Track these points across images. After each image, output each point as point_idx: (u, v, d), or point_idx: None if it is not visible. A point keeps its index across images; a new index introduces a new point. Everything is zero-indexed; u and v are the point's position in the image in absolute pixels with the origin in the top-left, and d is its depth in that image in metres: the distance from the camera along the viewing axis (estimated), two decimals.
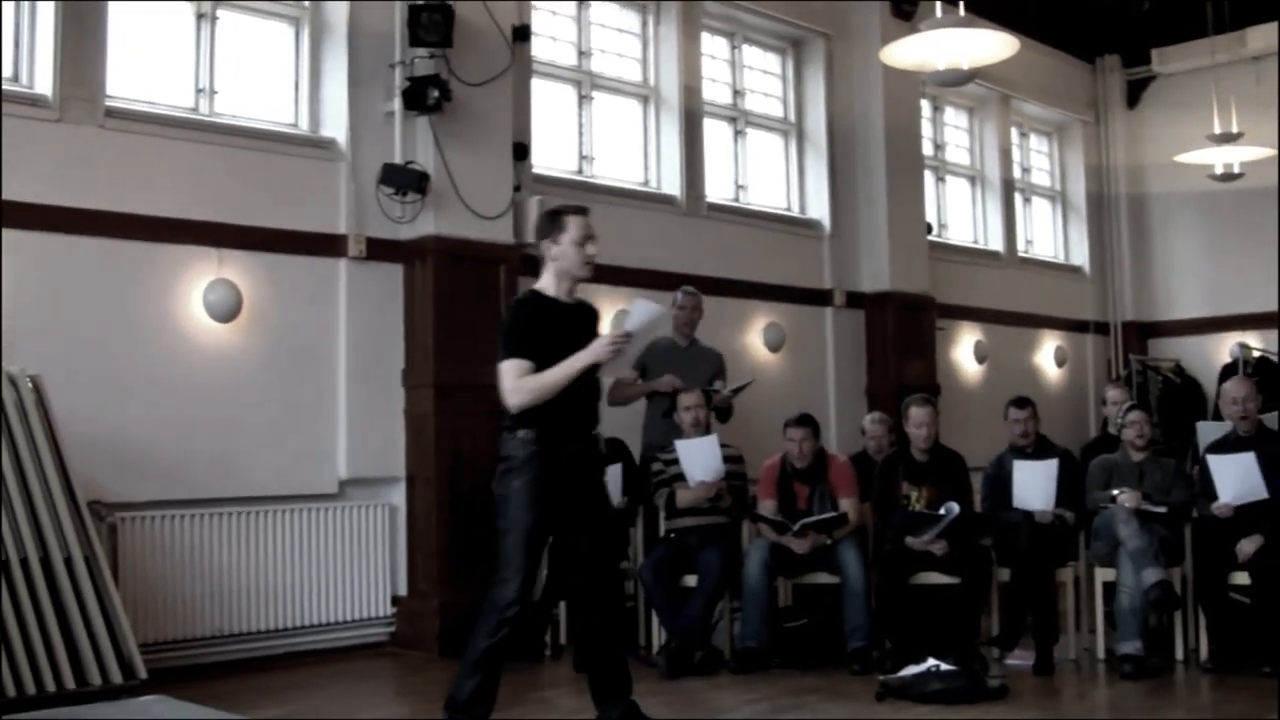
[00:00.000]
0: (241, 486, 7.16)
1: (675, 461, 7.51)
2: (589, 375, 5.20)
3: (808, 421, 7.51)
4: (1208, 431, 8.57)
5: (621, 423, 8.18)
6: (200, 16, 7.44)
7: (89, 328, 6.68)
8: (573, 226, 5.25)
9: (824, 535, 7.23)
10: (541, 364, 5.06)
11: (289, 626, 7.29)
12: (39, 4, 6.72)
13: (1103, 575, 7.27)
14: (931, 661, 6.33)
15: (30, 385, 6.02)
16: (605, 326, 5.97)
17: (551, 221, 5.30)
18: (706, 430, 7.65)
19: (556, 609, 7.56)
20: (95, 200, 6.74)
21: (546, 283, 5.31)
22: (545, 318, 5.20)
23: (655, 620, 7.43)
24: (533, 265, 8.17)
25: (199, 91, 7.41)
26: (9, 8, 6.68)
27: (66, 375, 6.35)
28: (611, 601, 5.35)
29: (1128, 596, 6.92)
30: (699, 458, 7.40)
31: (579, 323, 5.32)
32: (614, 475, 7.55)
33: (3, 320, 6.27)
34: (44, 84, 6.68)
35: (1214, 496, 7.04)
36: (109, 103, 6.89)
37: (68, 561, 5.74)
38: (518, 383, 5.05)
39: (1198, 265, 13.52)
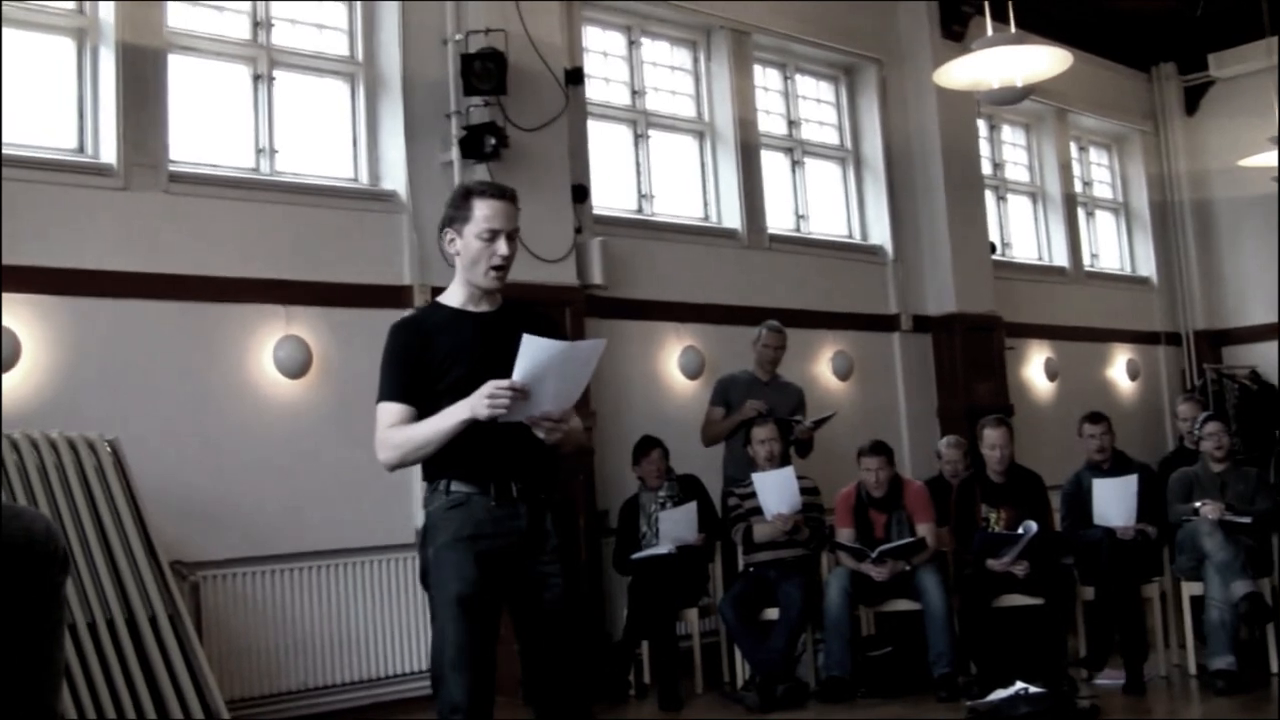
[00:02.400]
0: (319, 540, 7.20)
1: (752, 495, 7.49)
2: (519, 426, 3.76)
3: (882, 449, 7.48)
4: None
5: (701, 456, 8.19)
6: (257, 78, 7.54)
7: (163, 390, 6.76)
8: (479, 214, 3.88)
9: (903, 562, 7.18)
10: (429, 403, 3.82)
11: (373, 677, 7.31)
12: (101, 76, 6.84)
13: (1190, 589, 7.18)
14: (1019, 685, 6.26)
15: (109, 449, 6.10)
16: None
17: (455, 205, 3.97)
18: (782, 463, 7.63)
19: (639, 649, 7.54)
20: (163, 264, 6.83)
21: (451, 288, 4.04)
22: (433, 340, 3.89)
23: (738, 656, 7.39)
24: (598, 306, 8.25)
25: (259, 151, 7.50)
26: (73, 81, 6.81)
27: (142, 438, 6.42)
28: (563, 698, 3.90)
29: (1217, 610, 6.81)
30: (775, 490, 7.37)
31: (500, 337, 3.80)
32: (689, 512, 7.54)
33: (75, 385, 6.40)
34: (108, 153, 6.79)
35: None
36: (172, 168, 6.99)
37: (152, 621, 5.78)
38: (383, 435, 3.84)
39: (1268, 269, 13.30)
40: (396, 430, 3.82)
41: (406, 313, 7.49)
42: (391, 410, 3.84)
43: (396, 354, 3.90)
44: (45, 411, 6.20)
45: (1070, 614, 7.25)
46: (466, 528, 3.79)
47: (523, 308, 4.16)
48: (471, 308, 3.97)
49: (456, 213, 3.92)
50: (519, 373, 3.62)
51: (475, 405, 3.66)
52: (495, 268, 3.90)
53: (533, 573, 3.85)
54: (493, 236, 3.87)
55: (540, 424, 3.74)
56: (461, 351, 3.85)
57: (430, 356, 3.85)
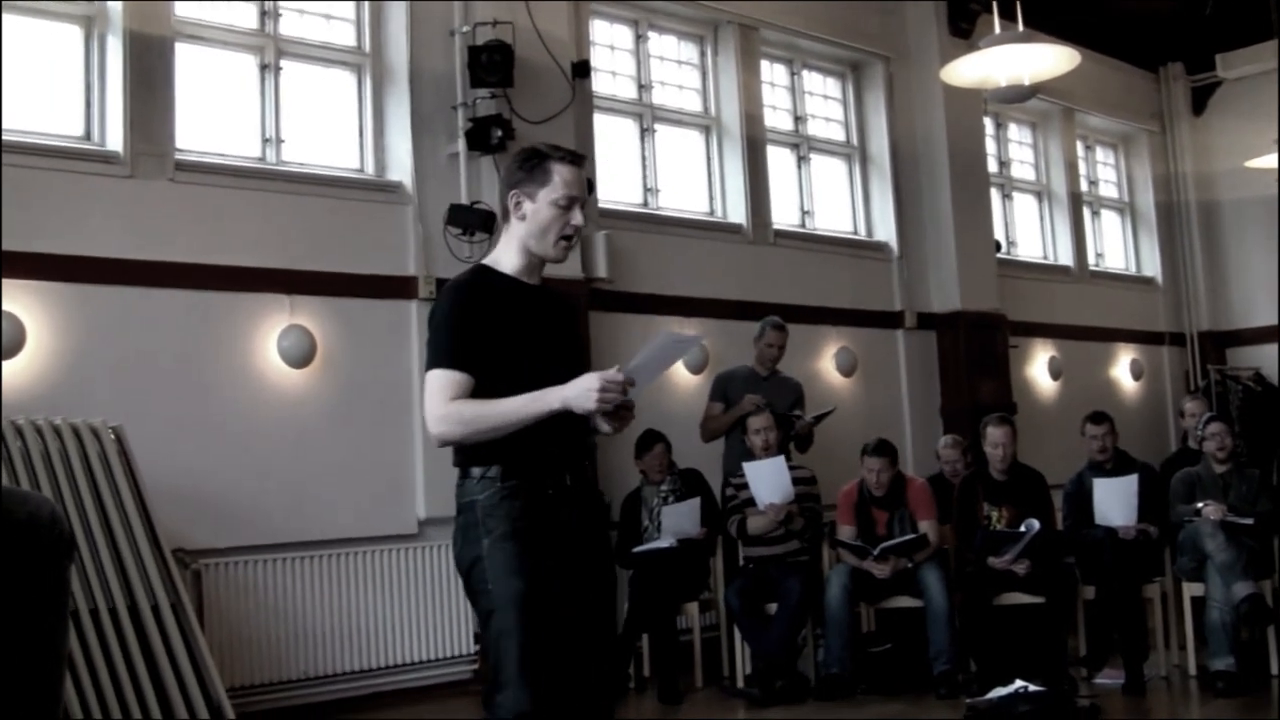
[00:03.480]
0: (322, 529, 7.20)
1: (748, 485, 7.49)
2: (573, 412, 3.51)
3: (885, 450, 7.47)
4: None
5: (703, 451, 8.19)
6: (264, 67, 7.54)
7: (167, 378, 6.77)
8: (558, 179, 3.62)
9: (905, 559, 7.18)
10: (487, 377, 3.49)
11: (373, 667, 7.31)
12: (108, 64, 6.85)
13: (1191, 590, 7.17)
14: (1019, 683, 6.26)
15: (112, 436, 6.11)
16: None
17: (528, 167, 3.66)
18: (779, 452, 7.62)
19: (640, 642, 7.55)
20: (168, 252, 6.83)
21: (503, 254, 3.73)
22: (495, 307, 3.59)
23: (738, 651, 7.40)
24: (602, 300, 8.25)
25: (265, 141, 7.50)
26: (80, 69, 6.82)
27: (146, 425, 6.42)
28: (606, 684, 3.69)
29: (1218, 611, 6.80)
30: (767, 480, 7.37)
31: (551, 315, 3.74)
32: (693, 507, 7.54)
33: (80, 372, 6.43)
34: (115, 141, 6.79)
35: None
36: (179, 156, 6.99)
37: (154, 609, 5.79)
38: (449, 408, 3.46)
39: (1274, 271, 13.26)
40: (466, 404, 3.46)
41: (412, 304, 7.60)
42: (451, 379, 3.48)
43: (459, 316, 3.55)
44: (49, 398, 6.21)
45: (1071, 613, 7.24)
46: (524, 519, 3.46)
47: (556, 292, 3.94)
48: (525, 279, 3.69)
49: (530, 175, 3.64)
50: (638, 362, 3.45)
51: (577, 397, 3.38)
52: (566, 237, 3.67)
53: (585, 566, 3.57)
54: (570, 204, 3.63)
55: (618, 414, 3.49)
56: (525, 325, 3.61)
57: (491, 325, 3.55)
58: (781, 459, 7.49)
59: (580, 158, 3.73)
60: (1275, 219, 12.43)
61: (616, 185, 9.06)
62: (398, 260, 7.71)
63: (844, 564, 7.30)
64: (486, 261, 3.77)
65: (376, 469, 7.47)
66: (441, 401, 3.47)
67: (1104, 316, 12.74)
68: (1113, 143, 13.88)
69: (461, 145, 7.79)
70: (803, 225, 10.32)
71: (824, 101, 10.78)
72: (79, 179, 6.59)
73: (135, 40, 6.83)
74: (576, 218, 3.65)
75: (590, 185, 8.42)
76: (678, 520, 7.47)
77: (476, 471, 3.53)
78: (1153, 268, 13.79)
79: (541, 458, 3.52)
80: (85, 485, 5.85)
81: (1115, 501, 7.23)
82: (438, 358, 3.52)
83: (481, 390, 3.49)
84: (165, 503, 6.24)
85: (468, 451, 3.55)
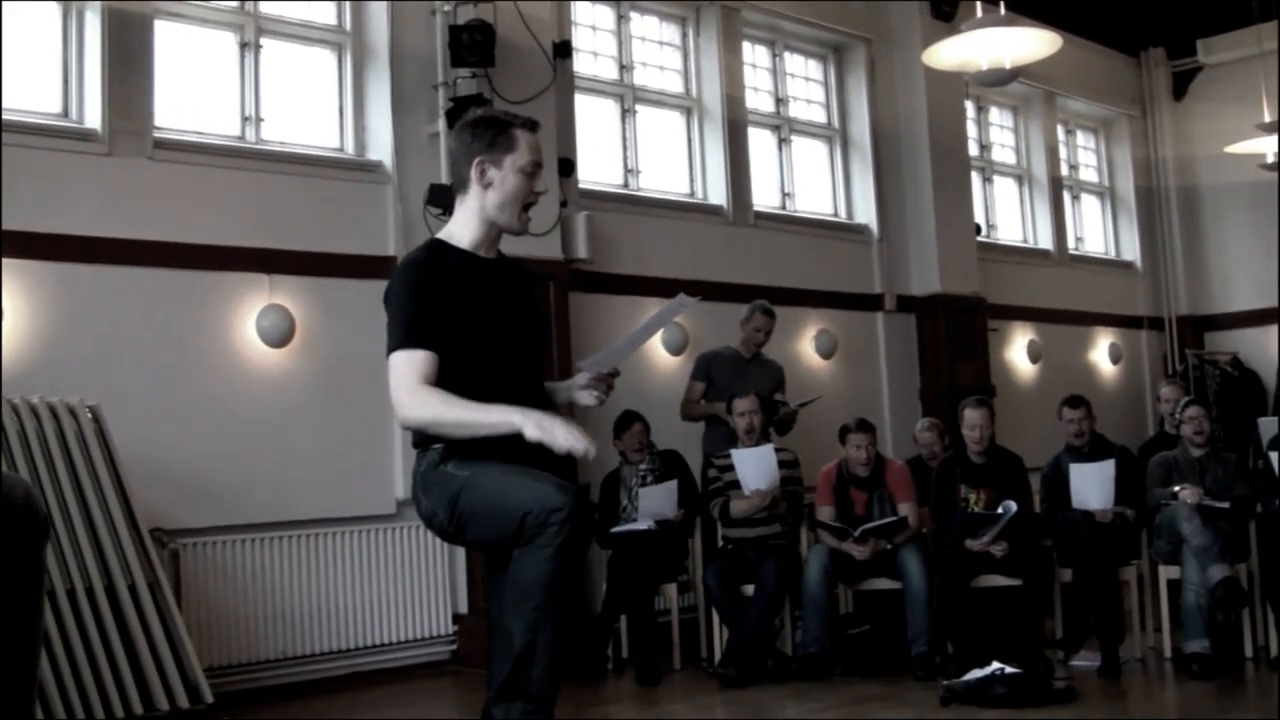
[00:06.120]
0: (300, 509, 7.19)
1: (731, 468, 7.49)
2: (532, 386, 3.70)
3: (866, 426, 7.49)
4: (1269, 427, 8.45)
5: (682, 431, 8.19)
6: (244, 45, 7.50)
7: (145, 357, 6.75)
8: (524, 144, 3.60)
9: (884, 540, 7.19)
10: (452, 355, 3.50)
11: (351, 647, 7.32)
12: (86, 41, 6.80)
13: (1167, 573, 7.19)
14: (995, 665, 6.27)
15: (90, 415, 6.08)
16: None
17: (489, 135, 3.63)
18: (761, 435, 7.63)
19: (618, 623, 7.55)
20: (147, 231, 6.81)
21: (459, 228, 3.69)
22: (452, 283, 3.56)
23: (716, 632, 7.41)
24: (582, 281, 8.24)
25: (245, 119, 7.47)
26: (58, 45, 6.77)
27: (124, 405, 6.41)
28: None
29: (1193, 594, 6.83)
30: (754, 467, 7.37)
31: (508, 289, 3.71)
32: (670, 490, 7.54)
33: (57, 351, 6.41)
34: (93, 119, 6.76)
35: (1278, 491, 6.95)
36: (157, 134, 6.96)
37: (132, 589, 5.78)
38: (417, 390, 3.45)
39: (1253, 256, 13.29)
40: (436, 398, 3.44)
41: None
42: (417, 359, 3.46)
43: (421, 294, 3.51)
44: (26, 377, 6.18)
45: (1048, 595, 7.26)
46: (493, 457, 3.48)
47: (513, 261, 3.87)
48: (482, 253, 3.67)
49: (493, 142, 3.60)
50: (648, 322, 3.75)
51: (569, 439, 3.48)
52: (528, 205, 3.65)
53: None
54: (535, 170, 3.62)
55: (607, 380, 3.74)
56: (482, 301, 3.59)
57: (449, 301, 3.52)
58: (769, 448, 7.48)
59: (536, 124, 3.71)
60: (1258, 204, 12.52)
61: (597, 166, 9.05)
62: (377, 240, 7.69)
63: (823, 545, 7.29)
64: (440, 236, 3.74)
65: (355, 449, 7.46)
66: (411, 382, 3.45)
67: (1083, 300, 12.79)
68: (1093, 127, 13.91)
69: (442, 125, 7.76)
70: (783, 207, 10.32)
71: (805, 83, 10.77)
72: (57, 156, 6.56)
73: (114, 16, 6.79)
74: (540, 184, 3.65)
75: (571, 166, 8.41)
76: (655, 502, 7.47)
77: (439, 446, 3.57)
78: (1132, 252, 13.83)
79: (504, 438, 3.46)
80: (62, 464, 5.83)
81: (1092, 485, 7.25)
82: (401, 336, 3.49)
83: (443, 365, 3.48)
84: (143, 482, 6.23)
85: (425, 434, 3.59)
